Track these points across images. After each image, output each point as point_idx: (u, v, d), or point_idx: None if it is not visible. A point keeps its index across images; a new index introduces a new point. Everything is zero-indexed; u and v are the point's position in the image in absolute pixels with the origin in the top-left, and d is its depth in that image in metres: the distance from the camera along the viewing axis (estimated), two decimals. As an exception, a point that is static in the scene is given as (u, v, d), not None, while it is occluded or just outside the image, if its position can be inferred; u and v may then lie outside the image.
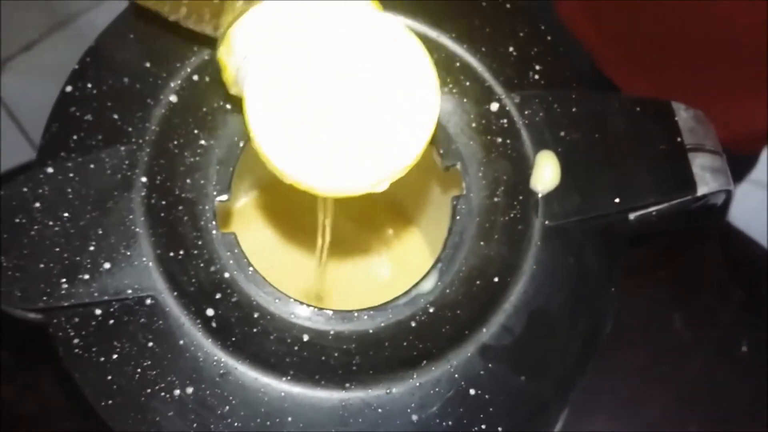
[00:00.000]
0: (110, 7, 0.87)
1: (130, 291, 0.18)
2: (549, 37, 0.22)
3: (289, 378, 0.18)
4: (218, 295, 0.19)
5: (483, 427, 0.18)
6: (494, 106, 0.21)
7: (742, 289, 0.56)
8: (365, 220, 0.27)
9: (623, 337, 0.54)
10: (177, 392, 0.18)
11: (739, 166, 0.55)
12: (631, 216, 0.21)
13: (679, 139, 0.22)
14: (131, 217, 0.18)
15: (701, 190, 0.22)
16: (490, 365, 0.19)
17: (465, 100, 0.21)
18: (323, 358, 0.19)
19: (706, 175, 0.23)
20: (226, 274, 0.19)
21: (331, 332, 0.19)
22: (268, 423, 0.18)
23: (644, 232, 0.23)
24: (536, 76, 0.21)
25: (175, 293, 0.18)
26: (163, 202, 0.19)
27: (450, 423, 0.18)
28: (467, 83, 0.21)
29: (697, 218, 0.26)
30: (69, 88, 0.20)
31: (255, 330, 0.19)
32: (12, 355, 0.47)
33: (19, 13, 0.85)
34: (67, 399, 0.46)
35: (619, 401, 0.51)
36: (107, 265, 0.18)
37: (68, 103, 0.19)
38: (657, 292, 0.57)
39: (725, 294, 0.57)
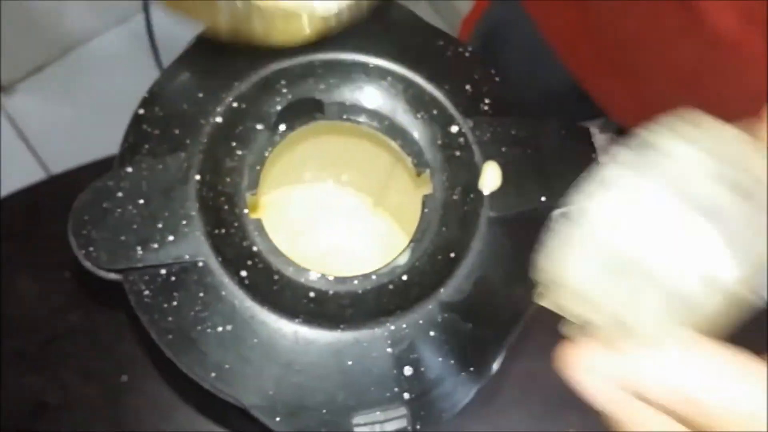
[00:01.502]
0: (115, 35, 0.94)
1: (187, 256, 0.25)
2: (497, 78, 0.29)
3: (299, 321, 0.25)
4: (249, 262, 0.26)
5: (438, 359, 0.25)
6: (454, 128, 0.28)
7: None
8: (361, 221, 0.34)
9: None
10: (219, 329, 0.25)
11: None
12: (556, 213, 0.28)
13: (593, 155, 0.29)
14: (188, 203, 0.25)
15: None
16: (445, 315, 0.26)
17: (433, 123, 0.28)
18: (324, 308, 0.26)
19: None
20: (254, 248, 0.26)
21: (331, 291, 0.26)
22: (284, 352, 0.25)
23: None
24: (486, 107, 0.28)
25: (219, 259, 0.25)
26: (211, 194, 0.26)
27: (415, 355, 0.25)
28: (434, 111, 0.28)
29: None
30: (141, 111, 0.27)
31: (275, 288, 0.26)
32: (37, 345, 0.53)
33: (29, 38, 0.91)
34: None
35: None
36: (171, 238, 0.25)
37: (141, 121, 0.27)
38: None
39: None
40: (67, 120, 0.93)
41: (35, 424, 0.53)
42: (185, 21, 0.25)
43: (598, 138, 0.30)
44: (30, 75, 0.95)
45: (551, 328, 0.55)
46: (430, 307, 0.26)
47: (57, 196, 0.55)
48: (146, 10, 0.66)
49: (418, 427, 0.25)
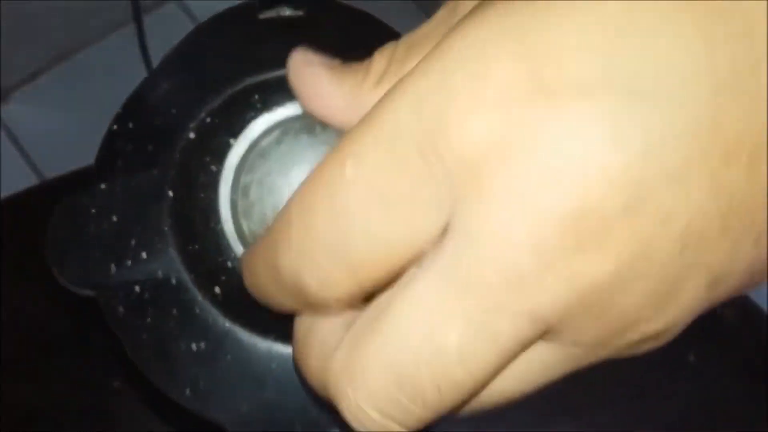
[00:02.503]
0: (111, 42, 0.95)
1: (160, 273, 0.25)
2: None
3: (273, 337, 0.25)
4: (223, 278, 0.26)
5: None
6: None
7: (754, 339, 0.62)
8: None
9: None
10: (193, 346, 0.25)
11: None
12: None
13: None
14: (161, 220, 0.25)
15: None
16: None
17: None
18: (299, 324, 0.26)
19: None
20: (228, 263, 0.26)
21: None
22: (258, 369, 0.25)
23: None
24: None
25: (192, 275, 0.25)
26: (185, 210, 0.26)
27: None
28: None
29: None
30: (115, 127, 0.27)
31: (249, 304, 0.26)
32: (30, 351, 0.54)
33: (24, 45, 0.92)
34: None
35: (573, 403, 0.57)
36: (144, 255, 0.25)
37: (115, 137, 0.27)
38: None
39: (738, 338, 0.63)
40: (62, 127, 0.94)
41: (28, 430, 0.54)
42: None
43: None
44: (25, 83, 0.95)
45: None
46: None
47: (51, 200, 0.56)
48: (137, 19, 0.66)
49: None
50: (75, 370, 0.57)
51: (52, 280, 0.55)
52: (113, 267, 0.25)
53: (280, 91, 0.28)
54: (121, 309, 0.25)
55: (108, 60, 0.94)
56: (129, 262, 0.25)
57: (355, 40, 0.27)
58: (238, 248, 0.26)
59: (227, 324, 0.25)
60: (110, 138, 0.27)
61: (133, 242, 0.25)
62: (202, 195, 0.26)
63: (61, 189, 0.55)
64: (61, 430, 0.55)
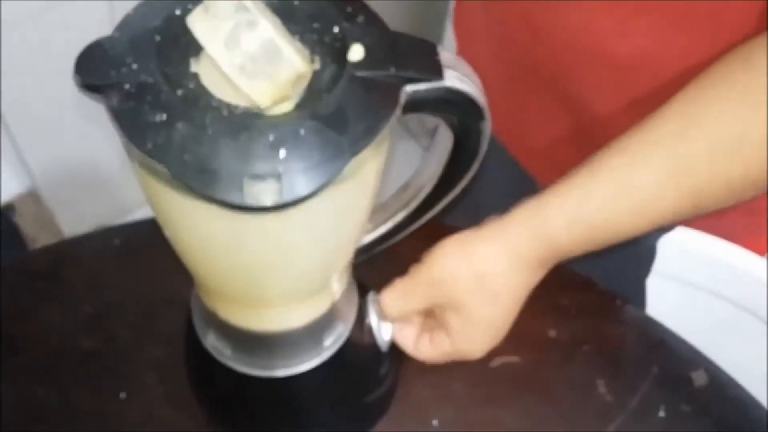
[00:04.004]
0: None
1: (143, 77, 0.38)
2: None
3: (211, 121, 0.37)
4: (187, 82, 0.38)
5: (305, 150, 0.36)
6: (335, 29, 0.41)
7: (658, 366, 0.69)
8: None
9: (552, 395, 0.68)
10: (157, 117, 0.36)
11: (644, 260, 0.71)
12: (407, 88, 0.40)
13: (437, 57, 0.41)
14: (150, 47, 0.38)
15: (447, 83, 0.41)
16: (315, 121, 0.37)
17: (321, 29, 0.41)
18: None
19: (456, 82, 0.42)
20: (191, 68, 0.39)
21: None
22: (205, 128, 0.36)
23: (419, 107, 0.41)
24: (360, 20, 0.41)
25: (164, 79, 0.38)
26: (167, 46, 0.39)
27: (288, 144, 0.36)
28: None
29: (456, 116, 0.44)
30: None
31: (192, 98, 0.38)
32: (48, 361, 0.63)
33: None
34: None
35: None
36: (135, 66, 0.38)
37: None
38: (583, 361, 0.71)
39: (644, 368, 0.69)
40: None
41: (34, 429, 0.62)
42: None
43: (444, 54, 0.42)
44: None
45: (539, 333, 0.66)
46: (306, 115, 0.37)
47: (81, 248, 0.70)
48: None
49: (288, 196, 0.36)
50: (86, 380, 0.66)
51: (81, 306, 0.66)
52: (113, 73, 0.38)
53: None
54: (114, 99, 0.37)
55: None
56: (124, 69, 0.38)
57: None
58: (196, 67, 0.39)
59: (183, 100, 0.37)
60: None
61: (128, 60, 0.38)
62: (183, 39, 0.39)
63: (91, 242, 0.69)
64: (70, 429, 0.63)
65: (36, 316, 0.68)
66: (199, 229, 0.40)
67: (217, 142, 0.36)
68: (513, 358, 0.70)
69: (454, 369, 0.69)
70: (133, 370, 0.66)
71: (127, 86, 0.37)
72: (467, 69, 0.41)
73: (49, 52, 1.04)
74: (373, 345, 0.58)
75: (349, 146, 0.37)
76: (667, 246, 0.69)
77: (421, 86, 0.40)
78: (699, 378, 0.70)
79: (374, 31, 0.40)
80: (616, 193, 0.45)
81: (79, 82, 0.37)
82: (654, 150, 0.45)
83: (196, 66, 0.39)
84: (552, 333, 0.71)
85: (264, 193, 0.35)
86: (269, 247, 0.41)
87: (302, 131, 0.36)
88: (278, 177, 0.35)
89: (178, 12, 0.39)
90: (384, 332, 0.58)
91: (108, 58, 0.38)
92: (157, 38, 0.38)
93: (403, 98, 0.39)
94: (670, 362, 0.71)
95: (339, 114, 0.37)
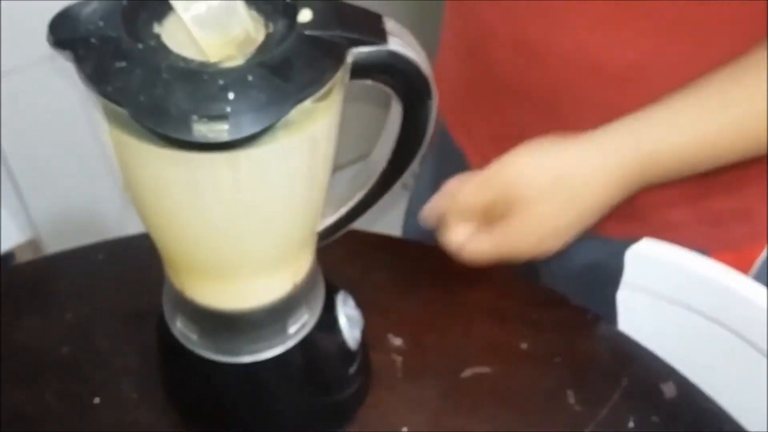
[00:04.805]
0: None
1: (109, 32, 0.41)
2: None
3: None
4: (155, 31, 0.42)
5: (253, 93, 0.39)
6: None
7: (628, 378, 0.70)
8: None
9: (521, 406, 0.69)
10: (116, 64, 0.40)
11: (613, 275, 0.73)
12: (353, 50, 0.43)
13: (382, 25, 0.45)
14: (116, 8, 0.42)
15: (391, 47, 0.44)
16: (264, 69, 0.40)
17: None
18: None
19: (399, 47, 0.45)
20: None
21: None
22: (159, 70, 0.39)
23: (366, 72, 0.45)
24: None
25: (126, 33, 0.41)
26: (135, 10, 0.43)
27: (237, 89, 0.39)
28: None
29: (403, 87, 0.47)
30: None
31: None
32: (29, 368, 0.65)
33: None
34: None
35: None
36: (101, 24, 0.41)
37: None
38: (553, 373, 0.71)
39: (614, 379, 0.70)
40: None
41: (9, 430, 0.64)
42: None
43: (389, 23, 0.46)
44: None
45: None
46: (255, 64, 0.40)
47: (66, 262, 0.73)
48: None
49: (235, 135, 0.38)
50: (63, 386, 0.68)
51: (63, 315, 0.69)
52: (81, 29, 0.41)
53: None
54: (80, 51, 0.41)
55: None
56: (91, 26, 0.41)
57: None
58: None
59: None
60: None
61: (96, 20, 0.42)
62: (149, 6, 0.43)
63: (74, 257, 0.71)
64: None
65: (20, 325, 0.70)
66: (158, 182, 0.43)
67: (171, 85, 0.39)
68: (484, 369, 0.71)
69: (426, 377, 0.69)
70: (108, 376, 0.67)
71: (92, 40, 0.41)
72: (411, 38, 0.45)
73: (51, 102, 1.10)
74: (342, 343, 0.59)
75: (294, 92, 0.40)
76: (635, 258, 0.71)
77: (366, 49, 0.43)
78: (668, 390, 0.70)
79: (324, 1, 0.43)
80: (711, 113, 0.50)
81: (50, 40, 0.41)
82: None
83: (159, 29, 0.43)
84: (524, 345, 0.72)
85: (212, 132, 0.38)
86: (225, 200, 0.43)
87: (250, 77, 0.39)
88: (226, 117, 0.38)
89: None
90: (353, 330, 0.59)
91: (77, 19, 0.41)
92: (125, 3, 0.42)
93: (349, 59, 0.42)
94: (640, 374, 0.72)
95: (286, 65, 0.40)
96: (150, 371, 0.64)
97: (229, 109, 0.38)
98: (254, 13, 0.43)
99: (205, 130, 0.38)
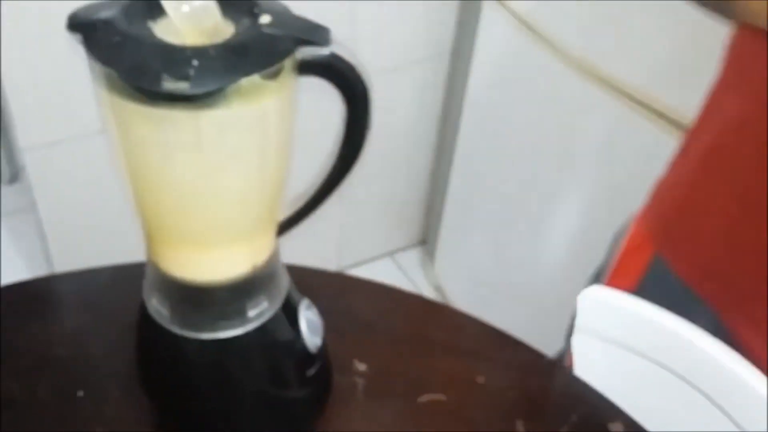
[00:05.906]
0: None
1: (114, 21, 0.53)
2: None
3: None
4: (151, 18, 0.53)
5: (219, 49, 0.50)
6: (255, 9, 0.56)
7: (577, 416, 0.76)
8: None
9: None
10: (114, 39, 0.51)
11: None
12: (302, 49, 0.54)
13: (329, 35, 0.56)
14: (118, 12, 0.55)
15: (334, 49, 0.55)
16: (224, 49, 0.51)
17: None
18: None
19: (340, 50, 0.56)
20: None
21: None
22: (144, 44, 0.51)
23: (313, 68, 0.55)
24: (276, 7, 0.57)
25: (127, 21, 0.53)
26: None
27: (204, 57, 0.50)
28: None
29: (346, 87, 0.57)
30: None
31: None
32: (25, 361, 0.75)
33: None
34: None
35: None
36: (108, 14, 0.54)
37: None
38: (506, 405, 0.77)
39: (564, 415, 0.76)
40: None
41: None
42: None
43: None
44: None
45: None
46: (218, 45, 0.51)
47: (71, 281, 0.84)
48: None
49: (195, 90, 0.49)
50: (52, 379, 0.76)
51: (63, 321, 0.78)
52: (92, 17, 0.53)
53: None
54: (88, 33, 0.53)
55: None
56: (98, 18, 0.54)
57: None
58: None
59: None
60: None
61: (102, 13, 0.54)
62: (147, 7, 0.55)
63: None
64: (28, 419, 0.72)
65: (23, 330, 0.80)
66: (137, 142, 0.53)
67: (150, 55, 0.50)
68: (440, 396, 0.76)
69: (385, 398, 0.75)
70: (95, 376, 0.76)
71: (97, 25, 0.53)
72: (351, 52, 0.56)
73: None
74: (301, 343, 0.67)
75: (244, 66, 0.51)
76: (586, 303, 0.77)
77: (312, 48, 0.54)
78: (616, 429, 0.74)
79: (284, 11, 0.55)
80: None
81: (67, 25, 0.53)
82: None
83: (152, 24, 0.55)
84: (480, 379, 0.78)
85: (178, 88, 0.49)
86: (188, 161, 0.53)
87: (212, 52, 0.50)
88: (189, 77, 0.49)
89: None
90: (313, 335, 0.67)
91: (88, 12, 0.54)
92: (128, 4, 0.55)
93: (298, 55, 0.53)
94: (589, 413, 0.76)
95: (242, 47, 0.52)
96: (135, 375, 0.72)
97: (192, 72, 0.49)
98: (225, 17, 0.55)
99: (172, 86, 0.49)
